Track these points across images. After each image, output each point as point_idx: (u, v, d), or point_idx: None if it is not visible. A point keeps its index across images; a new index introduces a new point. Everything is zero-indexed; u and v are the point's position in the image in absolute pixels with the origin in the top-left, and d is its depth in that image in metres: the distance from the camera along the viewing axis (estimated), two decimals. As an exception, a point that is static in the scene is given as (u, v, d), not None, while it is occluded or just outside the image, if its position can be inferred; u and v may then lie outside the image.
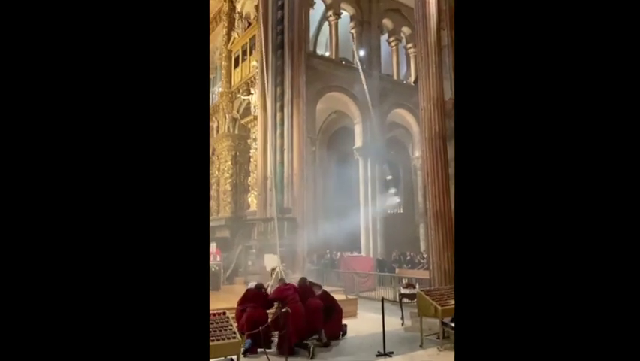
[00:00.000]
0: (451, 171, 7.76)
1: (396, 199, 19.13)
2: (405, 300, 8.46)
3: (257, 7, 15.19)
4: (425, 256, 12.99)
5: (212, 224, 17.29)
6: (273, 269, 9.43)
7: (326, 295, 6.78)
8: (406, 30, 18.06)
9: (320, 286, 6.94)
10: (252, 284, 6.71)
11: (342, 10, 16.36)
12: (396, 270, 13.23)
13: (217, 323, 4.61)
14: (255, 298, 6.30)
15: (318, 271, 12.87)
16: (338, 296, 7.84)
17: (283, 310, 5.82)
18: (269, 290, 6.96)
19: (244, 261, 13.16)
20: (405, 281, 9.85)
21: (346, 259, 13.87)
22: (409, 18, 16.41)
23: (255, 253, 12.72)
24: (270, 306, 6.40)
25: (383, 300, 6.35)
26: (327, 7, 16.16)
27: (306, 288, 6.61)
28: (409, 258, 14.56)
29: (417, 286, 8.57)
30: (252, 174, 15.19)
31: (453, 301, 5.99)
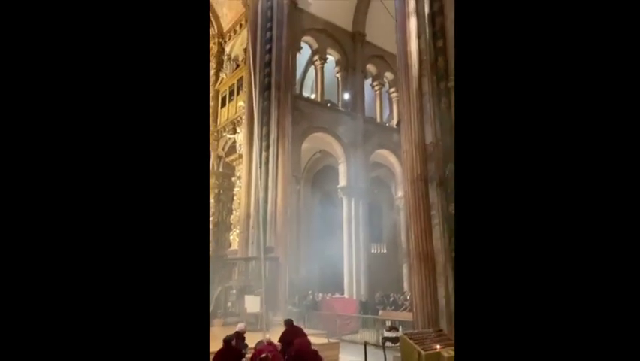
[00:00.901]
0: (433, 212, 7.87)
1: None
2: (388, 344, 8.27)
3: (246, 50, 15.69)
4: (408, 297, 12.86)
5: (192, 263, 16.83)
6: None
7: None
8: (388, 75, 18.81)
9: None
10: (228, 336, 6.00)
11: (328, 55, 17.03)
12: (380, 312, 13.01)
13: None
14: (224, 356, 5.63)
15: (299, 313, 12.56)
16: (320, 340, 7.64)
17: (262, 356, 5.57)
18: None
19: (224, 302, 12.76)
20: (388, 324, 9.68)
21: (329, 300, 13.62)
22: (392, 64, 17.15)
23: (235, 294, 12.38)
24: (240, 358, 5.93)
25: (366, 345, 6.21)
26: (314, 52, 16.81)
27: (293, 330, 6.34)
28: (392, 299, 14.37)
29: (400, 330, 8.43)
30: (234, 212, 15.07)
31: (437, 346, 5.89)
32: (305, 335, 6.33)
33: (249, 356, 6.04)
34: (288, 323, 6.56)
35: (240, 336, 6.37)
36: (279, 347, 6.20)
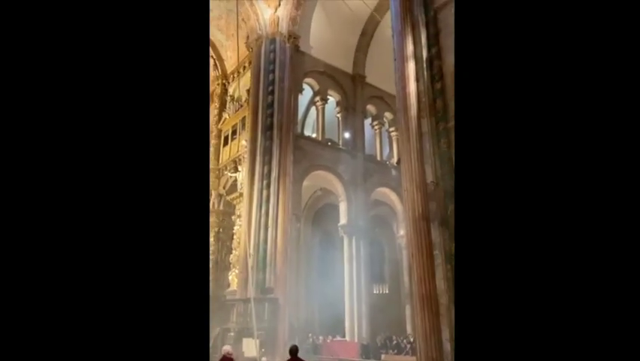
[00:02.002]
0: (436, 252, 7.76)
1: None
2: (392, 392, 7.91)
3: (248, 91, 16.11)
4: (412, 340, 12.44)
5: (189, 303, 16.44)
6: None
7: None
8: (388, 115, 19.18)
9: None
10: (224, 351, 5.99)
11: (328, 96, 17.46)
12: (382, 356, 12.55)
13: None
14: None
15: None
16: (321, 387, 7.28)
17: None
18: None
19: (221, 345, 12.33)
20: (391, 370, 9.30)
21: (330, 344, 13.18)
22: (391, 105, 17.55)
23: (233, 337, 11.99)
24: None
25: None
26: (315, 93, 17.25)
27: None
28: (395, 342, 13.89)
29: (404, 376, 8.08)
30: (234, 251, 14.89)
31: (443, 395, 5.62)
32: None
33: None
34: (293, 352, 6.16)
35: (226, 359, 6.10)
36: None
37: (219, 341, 12.50)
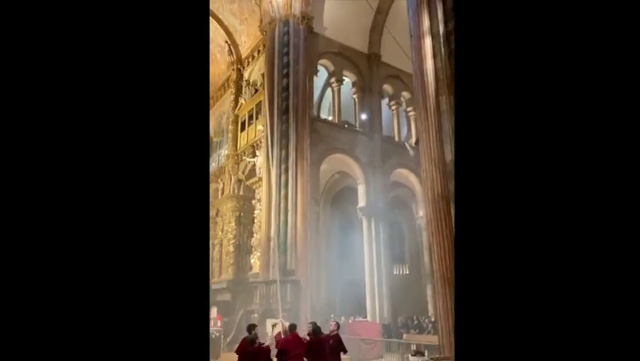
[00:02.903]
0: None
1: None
2: (414, 370, 8.01)
3: (264, 75, 16.05)
4: (433, 319, 12.48)
5: (213, 287, 16.86)
6: (274, 325, 8.85)
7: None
8: (405, 95, 18.85)
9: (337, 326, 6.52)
10: (247, 336, 5.95)
11: (344, 77, 17.23)
12: (404, 335, 12.64)
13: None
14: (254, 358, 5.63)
15: (322, 337, 12.31)
16: (343, 366, 7.42)
17: None
18: (267, 341, 6.40)
19: (246, 326, 12.66)
20: (413, 348, 9.39)
21: (351, 324, 13.34)
22: (408, 84, 17.21)
23: (256, 318, 12.28)
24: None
25: (391, 371, 6.00)
26: (331, 75, 17.05)
27: (318, 340, 6.09)
28: (416, 322, 13.96)
29: (426, 354, 8.15)
30: (255, 235, 15.11)
31: (465, 373, 5.65)
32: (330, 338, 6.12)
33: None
34: (315, 331, 6.19)
35: (254, 341, 6.04)
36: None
37: (243, 322, 12.81)
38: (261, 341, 6.01)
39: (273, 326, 8.77)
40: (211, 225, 18.81)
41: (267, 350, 5.81)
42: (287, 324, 6.84)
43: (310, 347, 5.86)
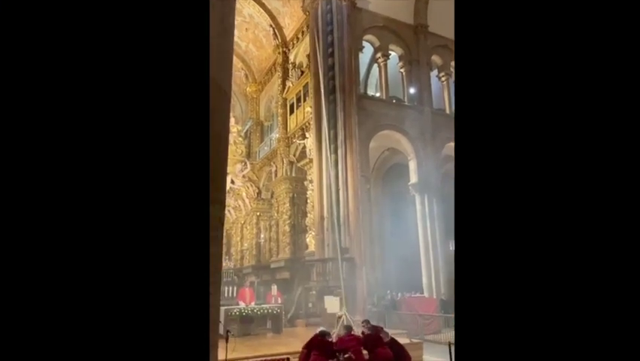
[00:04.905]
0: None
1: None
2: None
3: (309, 56, 16.07)
4: (493, 295, 12.24)
5: (272, 265, 17.62)
6: (339, 317, 9.32)
7: (394, 343, 6.61)
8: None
9: (387, 333, 6.79)
10: (319, 330, 6.65)
11: (390, 51, 16.80)
12: (463, 311, 12.53)
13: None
14: (320, 346, 6.27)
15: (378, 312, 12.56)
16: (402, 340, 7.59)
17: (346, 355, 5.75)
18: (334, 338, 6.92)
19: (304, 303, 13.18)
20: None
21: (408, 300, 13.44)
22: (458, 53, 16.43)
23: (314, 295, 12.73)
24: (334, 356, 6.35)
25: (450, 346, 6.06)
26: (376, 50, 16.69)
27: (373, 337, 6.49)
28: (475, 298, 13.76)
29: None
30: (309, 214, 15.49)
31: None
32: (382, 343, 6.42)
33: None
34: (369, 328, 6.70)
35: (327, 334, 6.67)
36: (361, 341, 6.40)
37: (302, 299, 13.34)
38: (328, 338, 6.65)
39: (339, 318, 9.21)
40: (266, 206, 19.51)
41: (332, 343, 6.50)
42: (350, 318, 7.52)
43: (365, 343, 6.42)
